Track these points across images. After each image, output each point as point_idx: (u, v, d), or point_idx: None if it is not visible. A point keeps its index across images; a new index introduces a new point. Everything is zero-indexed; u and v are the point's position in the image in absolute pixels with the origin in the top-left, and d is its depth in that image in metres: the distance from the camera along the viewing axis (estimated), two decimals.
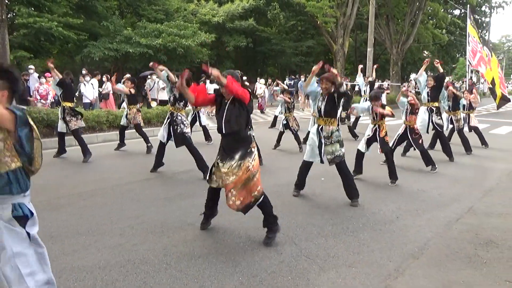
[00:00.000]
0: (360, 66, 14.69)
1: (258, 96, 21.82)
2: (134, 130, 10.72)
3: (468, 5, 20.40)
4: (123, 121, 10.42)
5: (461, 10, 38.45)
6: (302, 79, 25.35)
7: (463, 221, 5.58)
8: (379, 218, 5.64)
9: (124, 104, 10.05)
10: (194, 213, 5.63)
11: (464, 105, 11.28)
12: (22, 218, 2.93)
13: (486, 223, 5.52)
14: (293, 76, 28.09)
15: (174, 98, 7.79)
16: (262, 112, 21.24)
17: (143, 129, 10.81)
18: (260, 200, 4.56)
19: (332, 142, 6.12)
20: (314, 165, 6.26)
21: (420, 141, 8.31)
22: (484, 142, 11.61)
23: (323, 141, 6.17)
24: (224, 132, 4.45)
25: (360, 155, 7.79)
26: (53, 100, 15.04)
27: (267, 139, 11.38)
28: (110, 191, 6.77)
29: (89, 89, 15.64)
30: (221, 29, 28.22)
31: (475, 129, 11.58)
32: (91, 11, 23.24)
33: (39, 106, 13.40)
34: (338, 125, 6.25)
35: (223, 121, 4.42)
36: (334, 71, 6.23)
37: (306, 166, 6.55)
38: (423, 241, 4.86)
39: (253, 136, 5.03)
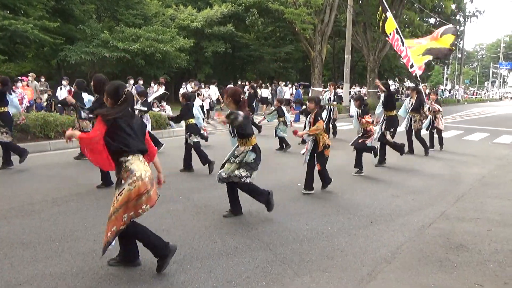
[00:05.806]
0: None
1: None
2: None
3: None
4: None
5: (436, 19, 39.22)
6: (282, 84, 25.53)
7: (435, 225, 5.69)
8: (354, 223, 5.70)
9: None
10: (169, 219, 5.62)
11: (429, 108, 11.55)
12: None
13: (458, 227, 5.64)
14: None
15: None
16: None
17: None
18: (110, 245, 3.84)
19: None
20: (291, 170, 6.32)
21: (361, 141, 8.35)
22: (441, 143, 12.12)
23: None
24: None
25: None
26: (29, 104, 14.81)
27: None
28: (85, 196, 6.69)
29: (64, 93, 15.38)
30: (199, 35, 28.19)
31: (439, 131, 12.03)
32: (68, 15, 22.97)
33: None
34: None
35: None
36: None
37: None
38: (396, 245, 4.93)
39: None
